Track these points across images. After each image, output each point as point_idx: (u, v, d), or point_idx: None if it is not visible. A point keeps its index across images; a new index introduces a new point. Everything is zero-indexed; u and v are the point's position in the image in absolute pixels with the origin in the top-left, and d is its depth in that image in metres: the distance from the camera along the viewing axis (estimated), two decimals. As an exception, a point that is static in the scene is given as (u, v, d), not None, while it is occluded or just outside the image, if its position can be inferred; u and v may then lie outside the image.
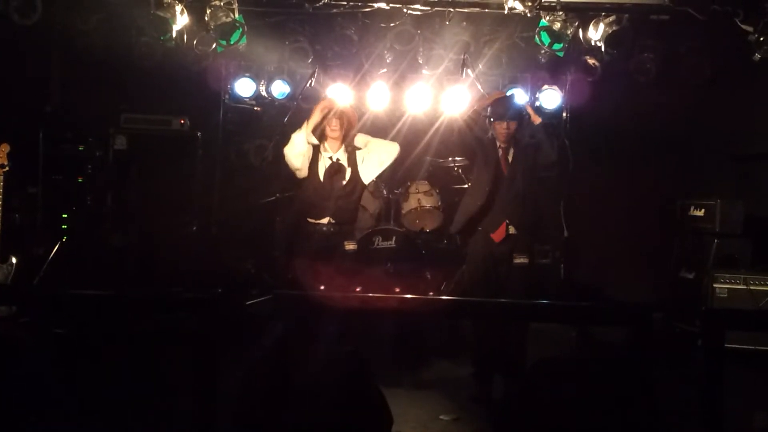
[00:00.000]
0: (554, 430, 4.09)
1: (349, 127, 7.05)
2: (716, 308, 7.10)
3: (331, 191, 6.77)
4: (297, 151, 6.77)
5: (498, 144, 6.44)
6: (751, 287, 7.48)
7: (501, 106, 6.50)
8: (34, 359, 5.60)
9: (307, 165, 6.82)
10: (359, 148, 6.98)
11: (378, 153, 7.01)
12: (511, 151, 6.45)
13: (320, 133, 6.92)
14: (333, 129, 6.89)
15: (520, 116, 6.49)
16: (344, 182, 6.82)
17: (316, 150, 6.84)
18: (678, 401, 4.88)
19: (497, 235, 6.22)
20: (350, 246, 6.86)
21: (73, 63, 8.49)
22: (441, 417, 5.54)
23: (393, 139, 8.00)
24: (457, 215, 6.63)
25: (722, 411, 3.96)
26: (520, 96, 8.41)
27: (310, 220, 6.80)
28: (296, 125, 7.88)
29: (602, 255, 8.93)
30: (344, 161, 6.87)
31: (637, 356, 4.50)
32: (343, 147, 6.93)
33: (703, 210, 8.20)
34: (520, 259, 6.21)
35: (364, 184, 7.05)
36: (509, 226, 6.25)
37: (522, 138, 6.54)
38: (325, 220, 6.74)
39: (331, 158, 6.84)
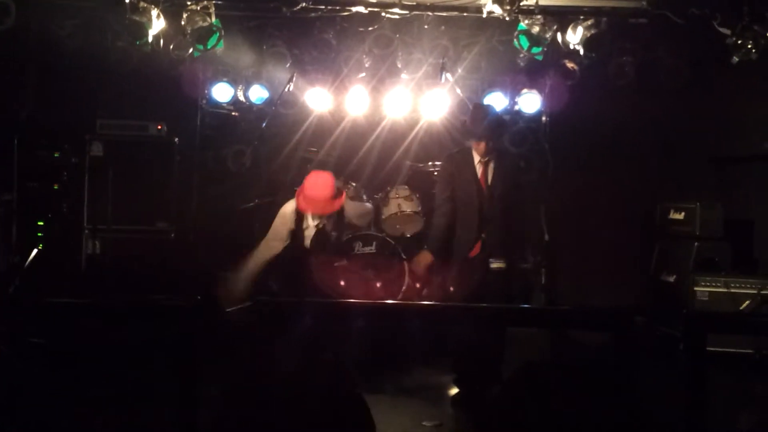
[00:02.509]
0: (538, 435, 4.07)
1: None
2: (697, 312, 7.11)
3: (315, 258, 6.73)
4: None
5: (477, 159, 6.26)
6: (732, 290, 7.49)
7: (475, 122, 6.26)
8: (9, 369, 5.53)
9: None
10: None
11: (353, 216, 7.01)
12: (491, 166, 6.27)
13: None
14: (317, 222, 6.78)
15: (497, 129, 6.33)
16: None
17: (299, 217, 6.75)
18: (660, 405, 4.86)
19: (472, 253, 6.20)
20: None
21: (49, 68, 8.40)
22: (424, 423, 5.51)
23: (372, 144, 8.00)
24: (431, 235, 6.56)
25: (705, 414, 3.95)
26: (496, 102, 8.41)
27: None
28: (274, 131, 7.87)
29: (583, 259, 8.93)
30: (329, 225, 6.79)
31: (618, 360, 4.49)
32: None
33: (683, 213, 8.23)
34: (496, 264, 6.16)
35: None
36: (485, 242, 6.20)
37: (504, 149, 6.47)
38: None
39: (317, 226, 6.76)
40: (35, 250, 7.42)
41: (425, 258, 6.42)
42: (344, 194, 6.79)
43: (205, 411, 4.20)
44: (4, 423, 4.76)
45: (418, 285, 7.50)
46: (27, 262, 7.35)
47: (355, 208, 7.10)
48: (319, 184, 6.62)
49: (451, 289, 6.38)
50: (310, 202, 6.59)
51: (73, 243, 8.12)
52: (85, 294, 7.31)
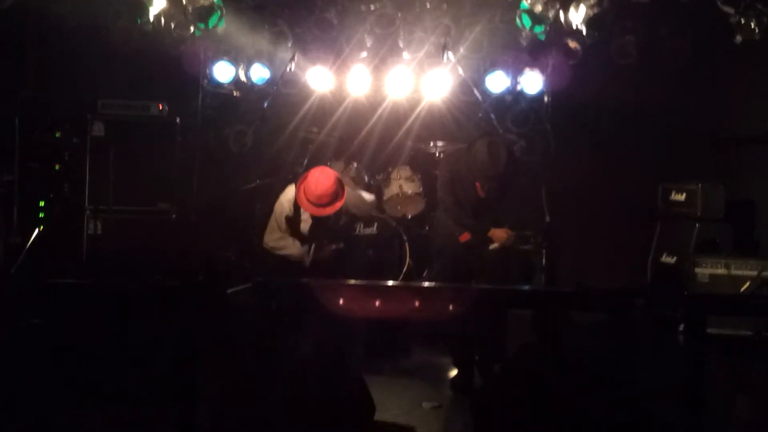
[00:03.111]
0: (535, 416, 4.08)
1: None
2: (698, 293, 7.11)
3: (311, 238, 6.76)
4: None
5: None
6: (733, 272, 7.48)
7: (490, 164, 5.95)
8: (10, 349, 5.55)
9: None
10: None
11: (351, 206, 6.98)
12: None
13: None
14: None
15: (511, 169, 6.07)
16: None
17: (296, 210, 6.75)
18: (659, 386, 4.87)
19: (463, 237, 6.19)
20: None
21: (49, 48, 8.37)
22: (423, 404, 5.52)
23: (374, 125, 7.99)
24: (436, 230, 6.55)
25: (703, 396, 3.96)
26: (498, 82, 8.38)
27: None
28: (275, 111, 7.86)
29: (584, 240, 8.92)
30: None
31: (617, 342, 4.50)
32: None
33: (684, 194, 8.21)
34: (493, 245, 6.17)
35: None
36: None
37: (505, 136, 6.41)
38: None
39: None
40: (36, 231, 7.44)
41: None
42: (345, 193, 6.74)
43: (206, 391, 4.22)
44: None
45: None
46: (28, 243, 7.37)
47: (356, 199, 7.06)
48: (321, 183, 6.54)
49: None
50: (308, 205, 6.59)
51: (75, 224, 8.11)
52: (86, 275, 7.32)
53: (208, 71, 8.65)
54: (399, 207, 8.26)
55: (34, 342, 6.01)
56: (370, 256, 7.85)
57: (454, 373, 6.20)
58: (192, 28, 7.57)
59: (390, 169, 8.39)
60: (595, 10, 7.51)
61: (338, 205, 6.64)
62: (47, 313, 6.22)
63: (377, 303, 5.81)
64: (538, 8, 7.43)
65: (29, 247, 7.35)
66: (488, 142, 5.98)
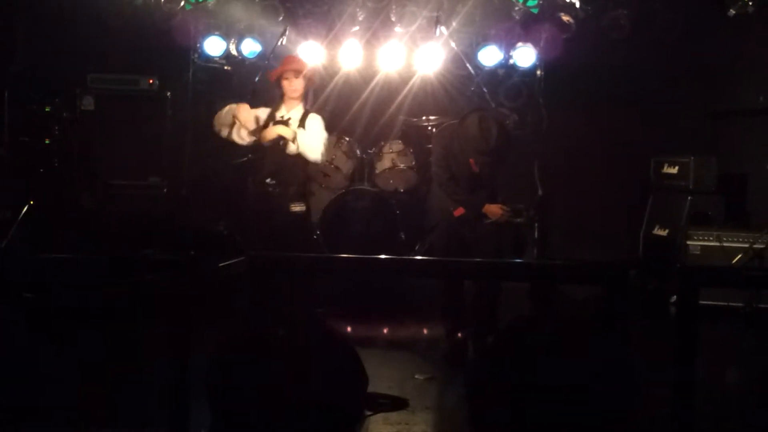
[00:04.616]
0: (528, 388, 4.09)
1: (309, 84, 6.82)
2: (691, 265, 7.13)
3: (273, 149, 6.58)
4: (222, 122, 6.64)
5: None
6: (724, 244, 7.51)
7: (482, 137, 5.83)
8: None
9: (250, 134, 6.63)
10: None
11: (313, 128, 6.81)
12: None
13: (279, 94, 6.72)
14: (293, 89, 6.63)
15: (506, 144, 6.03)
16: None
17: (270, 115, 6.62)
18: (651, 358, 4.89)
19: (458, 212, 6.18)
20: (297, 208, 6.64)
21: (38, 21, 8.30)
22: (416, 376, 5.54)
23: (366, 99, 7.96)
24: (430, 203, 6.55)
25: (695, 367, 3.97)
26: (490, 56, 8.33)
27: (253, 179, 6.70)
28: (267, 85, 7.78)
29: (576, 213, 8.94)
30: (295, 121, 6.63)
31: (611, 313, 4.50)
32: (300, 106, 6.69)
33: (676, 167, 8.22)
34: (488, 220, 6.16)
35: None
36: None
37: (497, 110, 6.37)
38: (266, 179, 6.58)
39: (282, 117, 6.63)
40: (27, 205, 7.41)
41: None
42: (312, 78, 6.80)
43: (198, 366, 4.22)
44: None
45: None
46: (19, 217, 7.34)
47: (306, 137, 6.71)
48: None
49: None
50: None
51: (66, 198, 8.09)
52: (77, 249, 7.30)
53: (198, 45, 8.58)
54: (391, 181, 8.25)
55: (27, 315, 6.02)
56: (362, 230, 7.86)
57: (447, 344, 6.22)
58: (183, 2, 7.51)
59: (382, 143, 8.37)
60: (588, -17, 7.47)
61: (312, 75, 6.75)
62: (39, 287, 6.21)
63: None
64: (531, -19, 7.38)
65: (19, 222, 7.32)
66: (479, 117, 5.95)
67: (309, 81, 6.74)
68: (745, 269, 6.80)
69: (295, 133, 6.46)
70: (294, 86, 6.59)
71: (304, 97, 6.69)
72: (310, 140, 6.48)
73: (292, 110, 6.57)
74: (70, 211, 8.04)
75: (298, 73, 6.64)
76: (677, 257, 7.72)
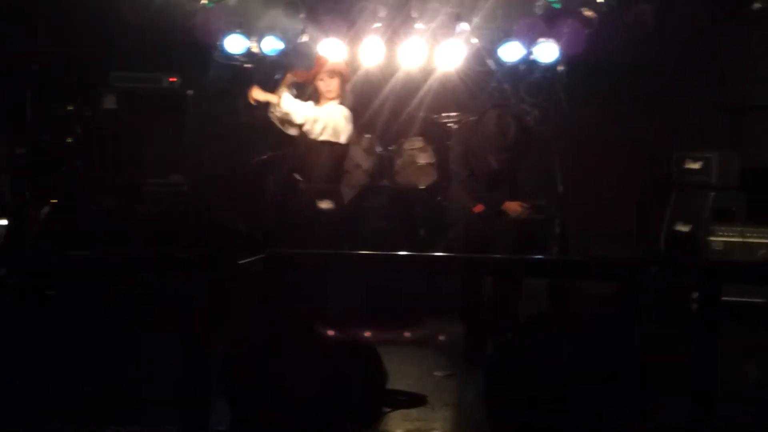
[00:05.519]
0: (547, 385, 4.08)
1: (344, 81, 7.03)
2: (714, 261, 7.08)
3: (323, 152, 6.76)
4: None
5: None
6: (747, 239, 7.44)
7: (498, 135, 6.00)
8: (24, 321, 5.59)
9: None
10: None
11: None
12: None
13: (314, 94, 6.89)
14: (329, 89, 6.87)
15: (524, 141, 6.14)
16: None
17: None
18: (672, 354, 4.86)
19: (477, 209, 6.18)
20: (325, 205, 6.79)
21: (61, 20, 8.35)
22: (435, 373, 5.54)
23: (386, 96, 7.99)
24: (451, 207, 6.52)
25: (716, 363, 3.95)
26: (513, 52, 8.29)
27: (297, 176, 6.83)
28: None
29: (597, 209, 8.88)
30: (332, 118, 6.84)
31: (631, 310, 4.49)
32: (335, 103, 6.91)
33: (699, 163, 8.15)
34: (506, 216, 6.15)
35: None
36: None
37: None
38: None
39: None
40: (49, 204, 7.46)
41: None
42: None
43: (216, 362, 4.24)
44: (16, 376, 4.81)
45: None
46: (41, 216, 7.39)
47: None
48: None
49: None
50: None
51: (87, 196, 8.13)
52: (98, 247, 7.34)
53: (219, 43, 8.60)
54: (411, 178, 8.25)
55: (49, 313, 6.08)
56: (381, 227, 7.85)
57: (466, 341, 6.21)
58: (204, 0, 7.52)
59: (402, 140, 8.37)
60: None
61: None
62: (62, 285, 6.27)
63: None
64: (554, -23, 7.35)
65: (42, 220, 7.37)
66: (497, 114, 5.95)
67: (343, 80, 6.94)
68: (768, 264, 6.75)
69: (281, 96, 6.93)
70: (329, 86, 6.85)
71: (340, 95, 6.90)
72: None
73: (329, 108, 6.77)
74: (91, 210, 8.09)
75: (333, 73, 6.87)
76: (700, 253, 7.66)
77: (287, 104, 7.08)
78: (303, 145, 7.21)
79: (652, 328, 4.41)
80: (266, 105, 7.47)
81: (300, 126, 7.12)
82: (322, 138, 7.12)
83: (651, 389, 4.06)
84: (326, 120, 7.07)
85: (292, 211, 7.09)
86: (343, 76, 7.18)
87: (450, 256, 6.10)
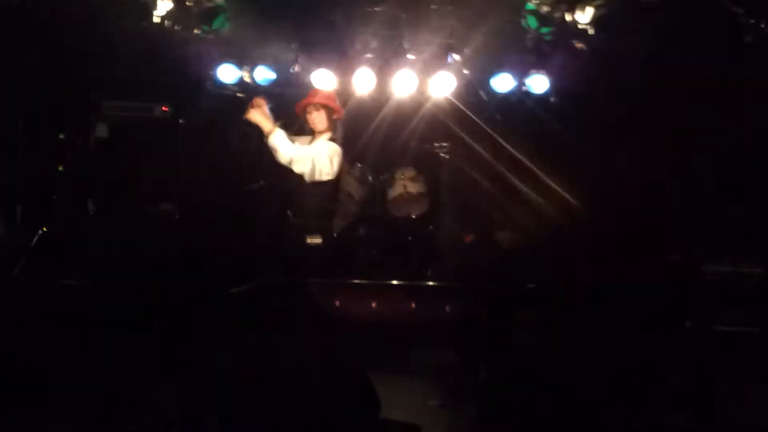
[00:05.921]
0: (541, 414, 4.05)
1: (333, 114, 6.99)
2: (706, 289, 7.05)
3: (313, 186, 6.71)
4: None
5: None
6: (740, 269, 7.43)
7: None
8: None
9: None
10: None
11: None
12: None
13: (302, 129, 6.86)
14: (315, 122, 6.83)
15: None
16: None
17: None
18: (667, 382, 4.83)
19: (468, 238, 6.19)
20: (313, 240, 6.75)
21: (53, 49, 8.35)
22: (428, 403, 5.49)
23: (378, 126, 7.99)
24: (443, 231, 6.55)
25: (713, 390, 3.93)
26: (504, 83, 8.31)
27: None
28: (280, 113, 7.84)
29: (592, 238, 8.86)
30: (319, 152, 6.80)
31: (625, 338, 4.47)
32: (326, 137, 6.88)
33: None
34: (499, 245, 6.17)
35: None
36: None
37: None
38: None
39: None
40: (40, 232, 7.41)
41: None
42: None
43: (210, 390, 4.20)
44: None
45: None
46: (31, 244, 7.34)
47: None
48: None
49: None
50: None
51: (78, 224, 8.10)
52: (90, 276, 7.30)
53: (212, 73, 8.62)
54: (403, 207, 8.24)
55: (41, 339, 6.01)
56: (374, 256, 7.83)
57: (459, 371, 6.17)
58: (196, 30, 7.53)
59: (394, 169, 8.37)
60: (602, 11, 7.45)
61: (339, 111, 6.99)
62: (51, 313, 6.21)
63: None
64: (545, 9, 7.39)
65: (32, 248, 7.32)
66: None
67: (331, 113, 6.89)
68: (760, 293, 6.73)
69: (272, 131, 6.80)
70: (316, 119, 6.78)
71: (330, 128, 6.85)
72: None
73: (317, 146, 6.73)
74: (83, 238, 8.05)
75: (318, 106, 6.83)
76: (693, 282, 7.63)
77: (276, 140, 6.99)
78: (294, 177, 7.16)
79: (648, 356, 4.37)
80: (260, 133, 7.44)
81: (288, 163, 7.03)
82: (308, 179, 7.02)
83: (648, 417, 4.04)
84: (313, 160, 6.91)
85: (281, 244, 7.05)
86: (331, 109, 7.13)
87: (442, 285, 6.09)
